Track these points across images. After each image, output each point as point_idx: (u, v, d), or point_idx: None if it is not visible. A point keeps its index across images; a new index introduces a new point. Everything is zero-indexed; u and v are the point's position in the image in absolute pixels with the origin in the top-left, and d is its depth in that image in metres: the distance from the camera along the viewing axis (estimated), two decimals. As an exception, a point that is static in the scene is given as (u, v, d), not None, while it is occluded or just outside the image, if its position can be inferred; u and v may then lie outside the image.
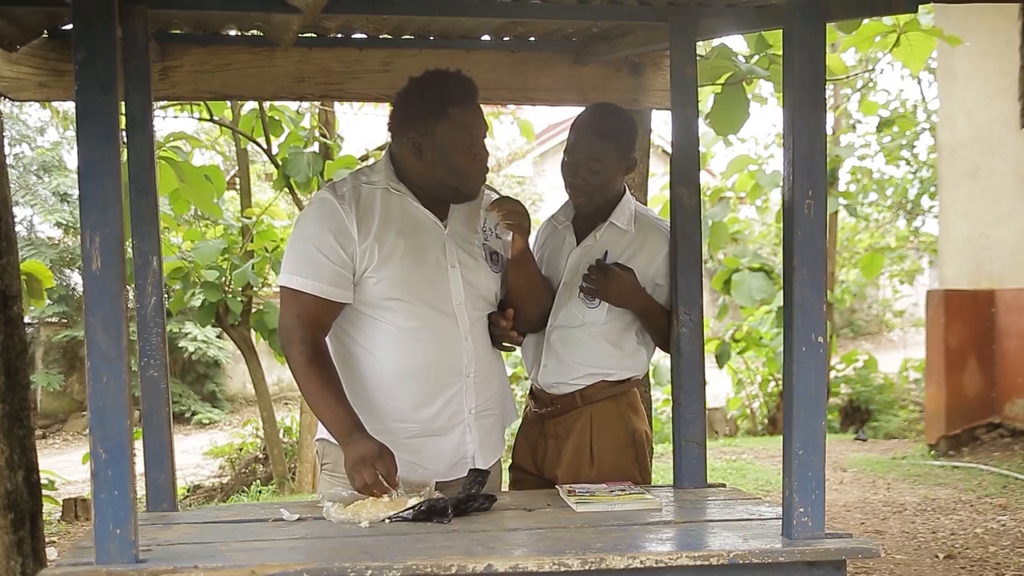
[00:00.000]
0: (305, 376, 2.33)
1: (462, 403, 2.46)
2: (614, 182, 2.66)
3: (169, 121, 10.84)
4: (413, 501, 2.21)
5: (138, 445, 2.06)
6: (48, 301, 11.68)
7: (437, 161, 2.38)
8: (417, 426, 2.42)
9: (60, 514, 6.58)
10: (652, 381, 2.85)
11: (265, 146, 6.58)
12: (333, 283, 2.35)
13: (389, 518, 2.16)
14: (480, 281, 2.49)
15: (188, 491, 8.10)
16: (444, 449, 2.45)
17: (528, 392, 2.84)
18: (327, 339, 2.42)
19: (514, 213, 2.42)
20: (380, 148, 7.10)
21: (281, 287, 2.39)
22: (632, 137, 2.68)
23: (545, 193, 15.94)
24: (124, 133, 2.27)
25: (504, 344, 2.61)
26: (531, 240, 2.83)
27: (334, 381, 2.34)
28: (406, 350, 2.40)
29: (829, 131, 9.46)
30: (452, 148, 2.37)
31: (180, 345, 12.56)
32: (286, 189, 6.52)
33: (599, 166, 2.60)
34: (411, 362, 2.40)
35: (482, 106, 2.44)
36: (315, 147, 6.69)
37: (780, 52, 3.02)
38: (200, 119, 6.71)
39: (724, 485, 2.61)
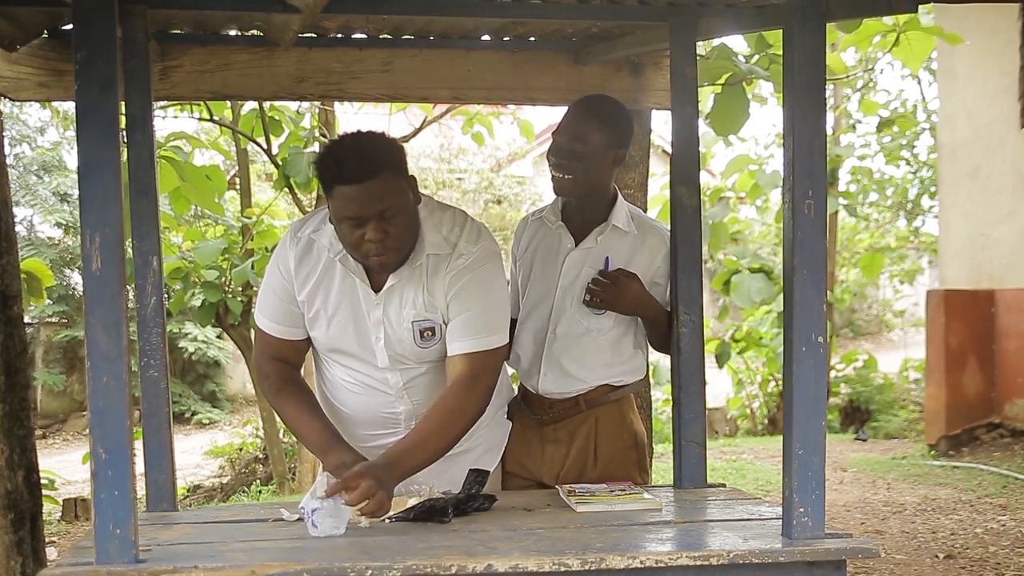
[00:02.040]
0: (278, 407, 2.44)
1: None
2: (598, 172, 2.58)
3: (169, 121, 10.84)
4: (413, 501, 2.21)
5: (138, 445, 2.06)
6: (48, 301, 11.70)
7: (336, 231, 2.26)
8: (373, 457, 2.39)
9: (60, 514, 6.58)
10: (652, 381, 2.83)
11: (265, 146, 6.58)
12: (289, 323, 2.41)
13: (389, 518, 2.16)
14: (407, 353, 2.37)
15: (188, 491, 8.10)
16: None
17: (518, 395, 2.79)
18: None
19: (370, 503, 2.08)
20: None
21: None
22: (623, 128, 2.61)
23: (545, 193, 15.94)
24: (124, 133, 2.27)
25: None
26: (514, 240, 2.78)
27: (307, 401, 2.41)
28: (346, 400, 2.48)
29: (829, 131, 9.45)
30: (339, 224, 2.21)
31: (180, 345, 12.56)
32: (286, 189, 6.52)
33: (582, 148, 2.53)
34: (351, 410, 2.48)
35: (385, 181, 2.16)
36: (315, 147, 6.69)
37: (780, 52, 3.02)
38: (200, 119, 6.70)
39: (724, 485, 2.61)
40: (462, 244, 2.33)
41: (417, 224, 2.28)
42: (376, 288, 2.34)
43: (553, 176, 2.60)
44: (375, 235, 2.17)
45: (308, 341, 2.46)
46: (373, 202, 2.15)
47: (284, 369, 2.43)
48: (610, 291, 2.55)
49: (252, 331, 7.00)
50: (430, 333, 2.35)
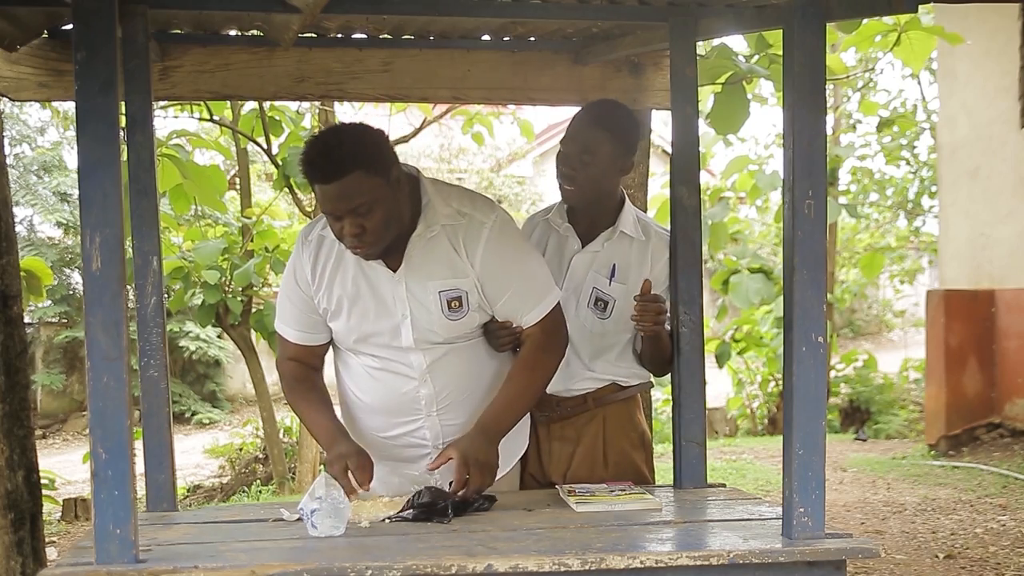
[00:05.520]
0: (292, 402, 2.54)
1: (424, 438, 2.46)
2: (607, 180, 2.58)
3: (169, 121, 10.84)
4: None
5: (138, 445, 2.06)
6: (48, 301, 11.70)
7: None
8: (386, 453, 2.48)
9: (60, 514, 6.58)
10: (652, 381, 2.83)
11: (265, 146, 6.58)
12: (304, 329, 2.48)
13: (389, 518, 2.17)
14: (435, 329, 2.38)
15: (188, 491, 8.10)
16: (414, 476, 2.46)
17: None
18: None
19: (475, 484, 2.25)
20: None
21: None
22: (632, 136, 2.61)
23: (545, 193, 15.95)
24: (124, 133, 2.27)
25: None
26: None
27: (316, 398, 2.48)
28: (368, 388, 2.48)
29: (829, 131, 9.45)
30: (326, 217, 2.28)
31: (180, 345, 12.56)
32: (286, 189, 6.52)
33: (591, 158, 2.53)
34: (373, 398, 2.47)
35: (355, 180, 2.15)
36: (315, 147, 6.67)
37: (780, 52, 3.02)
38: (200, 119, 6.70)
39: (724, 485, 2.61)
40: (477, 214, 2.37)
41: (399, 213, 2.28)
42: (393, 267, 2.36)
43: (561, 186, 2.60)
44: (350, 229, 2.22)
45: (327, 344, 2.51)
46: (343, 200, 2.18)
47: (298, 369, 2.51)
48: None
49: (252, 331, 7.02)
50: (457, 303, 2.37)
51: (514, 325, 2.43)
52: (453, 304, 2.36)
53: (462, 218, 2.36)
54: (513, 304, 2.40)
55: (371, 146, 2.23)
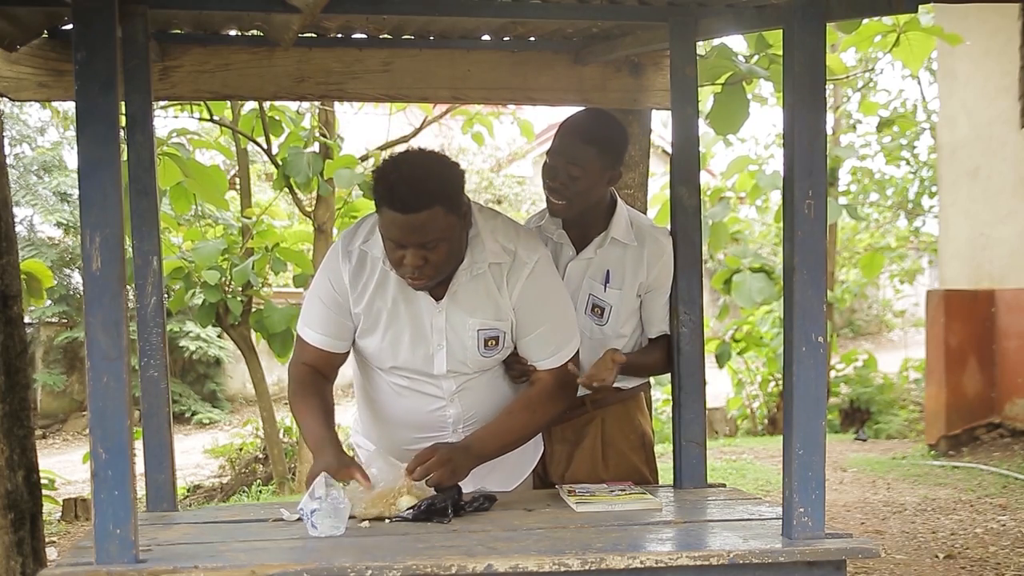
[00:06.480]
0: (292, 405, 2.46)
1: None
2: (594, 192, 2.54)
3: (169, 121, 10.83)
4: (407, 501, 2.21)
5: (138, 445, 2.06)
6: (48, 301, 11.70)
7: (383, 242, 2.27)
8: (407, 460, 2.43)
9: (60, 514, 6.58)
10: (652, 381, 2.83)
11: (265, 146, 6.58)
12: (329, 334, 2.41)
13: (389, 518, 2.17)
14: (468, 362, 2.39)
15: (188, 491, 8.09)
16: None
17: None
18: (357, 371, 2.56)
19: (433, 473, 2.23)
20: (380, 148, 7.11)
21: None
22: (619, 147, 2.58)
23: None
24: (124, 133, 2.27)
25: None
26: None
27: (311, 405, 2.41)
28: (395, 404, 2.47)
29: (829, 131, 9.45)
30: (383, 239, 2.22)
31: (180, 345, 12.56)
32: (286, 189, 6.52)
33: (579, 172, 2.49)
34: (398, 414, 2.47)
35: (428, 213, 2.12)
36: (315, 147, 6.69)
37: (780, 52, 3.02)
38: (200, 119, 6.70)
39: (724, 485, 2.61)
40: (521, 252, 2.36)
41: (460, 248, 2.27)
42: (436, 296, 2.33)
43: (548, 200, 2.57)
44: (413, 261, 2.18)
45: (346, 355, 2.47)
46: (416, 234, 2.15)
47: (306, 373, 2.45)
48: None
49: (252, 331, 7.02)
50: (494, 342, 2.37)
51: (529, 364, 2.43)
52: (490, 343, 2.37)
53: (507, 255, 2.35)
54: (534, 346, 2.41)
55: (453, 181, 2.20)
